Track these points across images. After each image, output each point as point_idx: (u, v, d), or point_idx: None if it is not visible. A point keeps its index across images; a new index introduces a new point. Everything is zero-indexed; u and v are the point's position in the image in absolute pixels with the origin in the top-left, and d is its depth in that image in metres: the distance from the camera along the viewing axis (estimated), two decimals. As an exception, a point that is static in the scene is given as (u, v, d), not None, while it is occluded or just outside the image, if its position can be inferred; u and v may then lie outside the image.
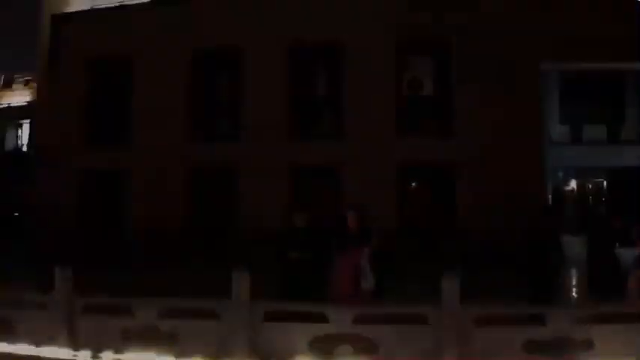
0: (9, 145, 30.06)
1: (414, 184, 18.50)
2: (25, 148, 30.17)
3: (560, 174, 24.29)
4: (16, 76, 30.78)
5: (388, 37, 18.14)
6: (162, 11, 20.38)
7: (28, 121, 29.64)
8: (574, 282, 14.75)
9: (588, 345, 6.62)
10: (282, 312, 7.27)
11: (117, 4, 21.11)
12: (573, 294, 13.65)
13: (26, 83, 30.00)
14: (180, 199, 19.28)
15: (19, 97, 29.87)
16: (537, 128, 18.08)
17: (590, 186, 25.51)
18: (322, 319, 6.98)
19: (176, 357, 7.13)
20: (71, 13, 21.69)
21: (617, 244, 10.54)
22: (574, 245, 14.61)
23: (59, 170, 20.42)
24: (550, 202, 20.33)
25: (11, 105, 29.69)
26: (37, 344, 7.62)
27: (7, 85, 30.42)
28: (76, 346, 7.53)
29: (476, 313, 6.97)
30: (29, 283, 11.67)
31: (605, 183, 25.69)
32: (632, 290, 8.23)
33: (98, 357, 7.40)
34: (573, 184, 25.12)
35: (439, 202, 17.83)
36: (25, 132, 30.36)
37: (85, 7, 21.47)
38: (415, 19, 17.85)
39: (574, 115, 24.32)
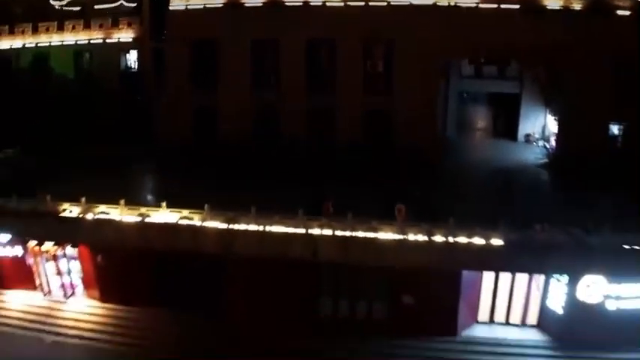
0: (122, 66, 45.58)
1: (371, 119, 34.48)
2: (133, 69, 45.85)
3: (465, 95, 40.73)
4: (120, 18, 45.71)
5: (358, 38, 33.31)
6: (232, 13, 35.13)
7: (135, 51, 45.05)
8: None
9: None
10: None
11: (202, 5, 35.74)
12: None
13: (129, 24, 44.76)
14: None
15: (125, 33, 44.73)
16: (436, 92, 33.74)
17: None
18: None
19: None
20: (175, 9, 36.29)
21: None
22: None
23: (178, 107, 36.61)
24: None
25: (120, 39, 44.71)
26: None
27: (115, 24, 45.05)
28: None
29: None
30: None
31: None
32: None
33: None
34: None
35: (383, 129, 34.05)
36: (132, 57, 45.72)
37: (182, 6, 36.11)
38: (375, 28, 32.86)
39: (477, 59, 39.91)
